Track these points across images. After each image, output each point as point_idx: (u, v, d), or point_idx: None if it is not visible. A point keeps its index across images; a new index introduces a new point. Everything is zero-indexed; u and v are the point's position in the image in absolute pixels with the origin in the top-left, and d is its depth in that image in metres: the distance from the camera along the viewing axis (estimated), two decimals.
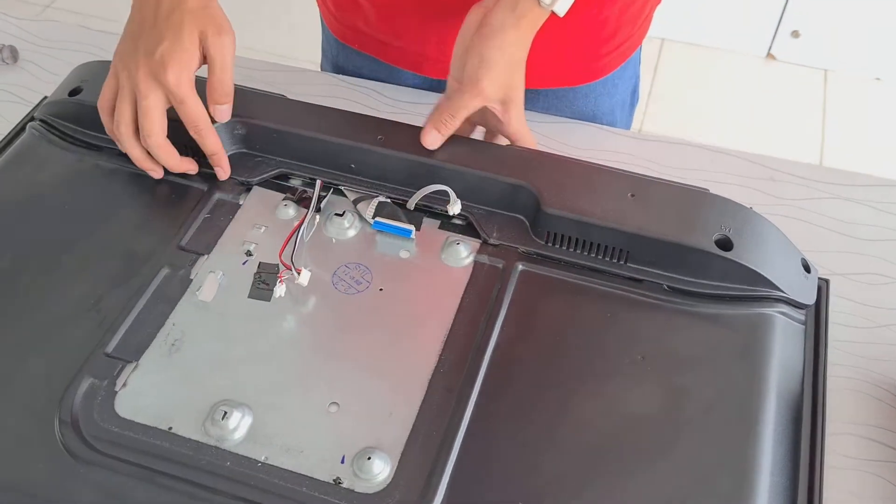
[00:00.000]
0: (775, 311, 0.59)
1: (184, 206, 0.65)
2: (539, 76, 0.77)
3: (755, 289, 0.59)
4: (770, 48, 2.07)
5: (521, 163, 0.63)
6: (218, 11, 0.62)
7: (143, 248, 0.62)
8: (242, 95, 0.68)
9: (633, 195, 0.61)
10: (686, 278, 0.60)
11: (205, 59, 0.62)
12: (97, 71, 0.71)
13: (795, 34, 2.02)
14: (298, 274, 0.58)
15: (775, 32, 2.04)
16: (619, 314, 0.59)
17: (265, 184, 0.67)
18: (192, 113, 0.62)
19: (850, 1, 1.92)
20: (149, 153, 0.64)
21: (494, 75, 0.61)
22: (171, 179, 0.67)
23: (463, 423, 0.52)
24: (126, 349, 0.56)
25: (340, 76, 0.83)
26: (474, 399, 0.53)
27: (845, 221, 0.71)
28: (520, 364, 0.56)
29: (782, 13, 1.99)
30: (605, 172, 0.63)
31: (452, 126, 0.62)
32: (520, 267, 0.61)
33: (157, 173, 0.66)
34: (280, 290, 0.58)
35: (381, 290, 0.60)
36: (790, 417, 0.55)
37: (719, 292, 0.59)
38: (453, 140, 0.65)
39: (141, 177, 0.67)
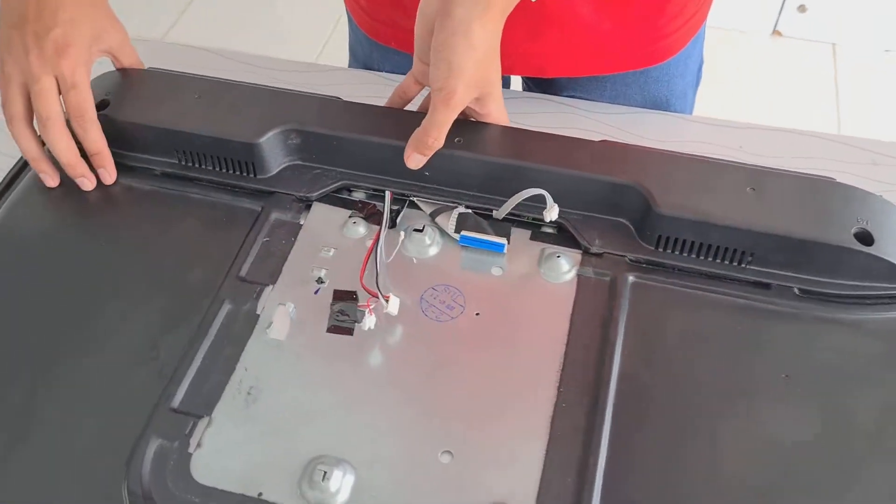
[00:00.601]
0: None
1: (237, 230, 0.57)
2: (605, 62, 0.70)
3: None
4: (776, 24, 2.01)
5: (623, 160, 0.56)
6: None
7: (198, 281, 0.54)
8: (292, 100, 0.60)
9: (752, 189, 0.54)
10: (820, 279, 0.53)
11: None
12: (122, 81, 0.62)
13: (802, 9, 1.97)
14: (387, 301, 0.50)
15: (781, 8, 1.98)
16: (750, 326, 0.52)
17: (326, 199, 0.59)
18: (81, 101, 0.57)
19: None
20: (43, 152, 0.59)
21: (467, 80, 0.53)
22: (219, 199, 0.59)
23: (599, 468, 0.45)
24: (195, 402, 0.48)
25: (381, 73, 0.75)
26: (606, 438, 0.46)
27: None
28: (650, 393, 0.49)
29: None
30: (719, 166, 0.56)
31: (437, 146, 0.55)
32: (630, 278, 0.54)
33: (53, 179, 0.59)
34: (370, 321, 0.50)
35: (477, 314, 0.52)
36: None
37: (858, 293, 0.52)
38: (541, 137, 0.58)
39: (184, 199, 0.59)
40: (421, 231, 0.56)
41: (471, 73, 0.53)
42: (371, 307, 0.50)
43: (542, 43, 0.67)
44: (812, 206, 0.53)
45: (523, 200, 0.55)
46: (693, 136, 0.69)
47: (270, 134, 0.58)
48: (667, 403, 0.48)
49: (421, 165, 0.55)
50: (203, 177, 0.60)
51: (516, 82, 0.84)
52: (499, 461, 0.46)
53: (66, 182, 0.60)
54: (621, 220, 0.56)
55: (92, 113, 0.57)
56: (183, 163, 0.60)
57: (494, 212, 0.57)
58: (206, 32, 2.04)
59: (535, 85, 0.77)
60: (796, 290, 0.53)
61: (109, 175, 0.59)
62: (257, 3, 2.10)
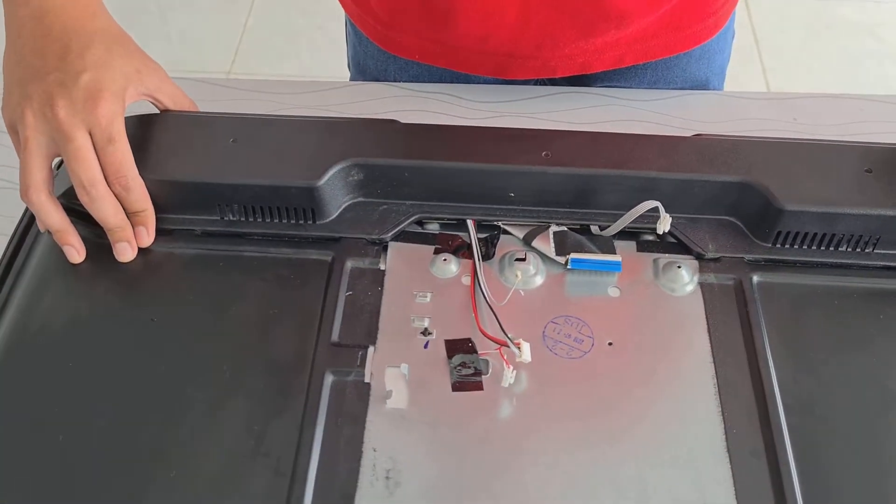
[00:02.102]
0: None
1: (311, 287, 0.50)
2: (653, 47, 0.65)
3: None
4: None
5: (727, 155, 0.52)
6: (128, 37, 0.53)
7: (285, 354, 0.47)
8: (345, 129, 0.53)
9: (869, 170, 0.51)
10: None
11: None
12: (135, 131, 0.53)
13: None
14: (518, 348, 0.45)
15: None
16: (890, 313, 0.49)
17: (401, 237, 0.52)
18: (122, 157, 0.49)
19: None
20: (70, 223, 0.50)
21: None
22: (279, 254, 0.51)
23: (797, 495, 0.41)
24: (329, 501, 0.41)
25: (400, 84, 0.68)
26: (791, 456, 0.42)
27: None
28: (815, 397, 0.45)
29: None
30: (828, 149, 0.52)
31: None
32: (755, 279, 0.50)
33: (80, 253, 0.51)
34: (509, 376, 0.44)
35: (609, 344, 0.47)
36: None
37: None
38: (629, 140, 0.53)
39: (238, 259, 0.51)
40: (524, 260, 0.50)
41: None
42: (505, 358, 0.45)
43: (592, 41, 0.62)
44: None
45: (622, 211, 0.50)
46: (745, 113, 0.66)
47: (331, 173, 0.51)
48: (839, 407, 0.45)
49: None
50: (254, 231, 0.52)
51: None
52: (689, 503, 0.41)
53: (91, 256, 0.51)
54: (730, 218, 0.52)
55: (134, 169, 0.49)
56: (227, 217, 0.52)
57: (593, 227, 0.52)
58: None
59: (566, 80, 0.72)
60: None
61: (149, 236, 0.51)
62: (148, 16, 1.96)
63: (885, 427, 0.44)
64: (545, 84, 0.68)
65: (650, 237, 0.52)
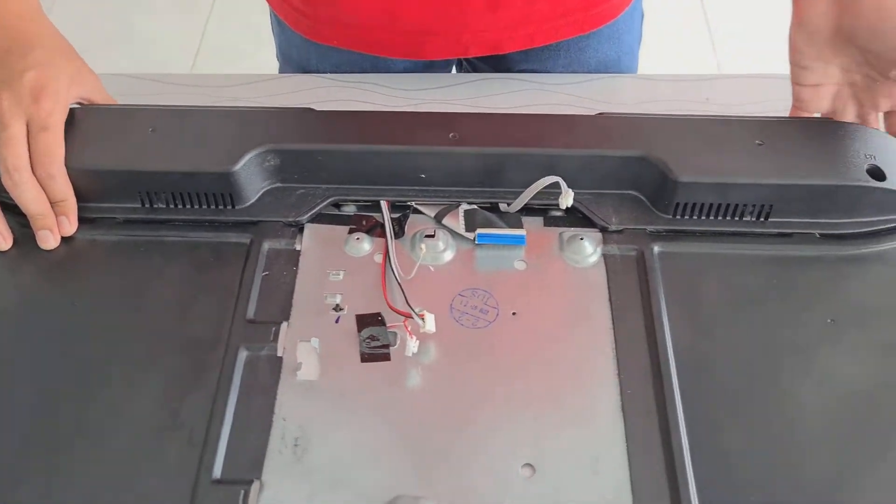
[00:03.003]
0: None
1: (229, 268, 0.51)
2: (562, 27, 0.68)
3: None
4: None
5: (627, 131, 0.54)
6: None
7: (202, 332, 0.48)
8: (261, 117, 0.55)
9: (760, 143, 0.53)
10: (838, 220, 0.53)
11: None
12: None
13: None
14: (422, 320, 0.47)
15: None
16: (783, 277, 0.51)
17: (317, 219, 0.54)
18: (52, 144, 0.51)
19: None
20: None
21: None
22: (199, 238, 0.53)
23: (684, 447, 0.43)
24: (238, 467, 0.43)
25: (326, 74, 0.70)
26: (682, 414, 0.45)
27: None
28: (711, 360, 0.47)
29: None
30: (722, 123, 0.55)
31: None
32: (656, 249, 0.52)
33: (7, 240, 0.52)
34: (412, 345, 0.46)
35: (514, 314, 0.49)
36: None
37: (875, 228, 0.53)
38: (536, 120, 0.55)
39: (160, 244, 0.53)
40: (433, 236, 0.52)
41: None
42: (409, 329, 0.47)
43: (500, 14, 0.64)
44: (820, 149, 0.53)
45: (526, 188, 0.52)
46: (659, 94, 0.68)
47: (246, 158, 0.52)
48: (730, 368, 0.47)
49: None
50: (174, 217, 0.54)
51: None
52: (583, 463, 0.43)
53: (16, 244, 0.53)
54: (633, 192, 0.54)
55: (61, 159, 0.51)
56: (147, 205, 0.54)
57: (502, 205, 0.54)
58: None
59: (487, 65, 0.74)
60: (817, 235, 0.53)
61: (71, 225, 0.52)
62: (111, 19, 1.97)
63: (774, 386, 0.46)
64: (468, 71, 0.70)
65: (558, 213, 0.55)
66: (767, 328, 0.49)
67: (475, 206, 0.54)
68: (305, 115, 0.55)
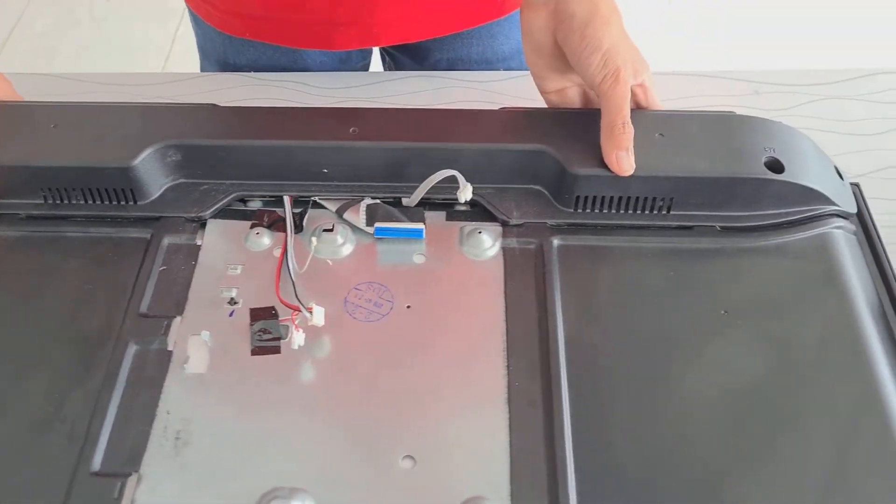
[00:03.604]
0: (833, 228, 0.53)
1: (128, 264, 0.51)
2: (471, 13, 0.68)
3: (810, 207, 0.53)
4: None
5: (527, 125, 0.54)
6: None
7: (95, 327, 0.48)
8: (164, 113, 0.55)
9: (661, 135, 0.53)
10: (739, 213, 0.53)
11: None
12: None
13: None
14: (310, 313, 0.47)
15: None
16: (681, 270, 0.51)
17: (222, 215, 0.54)
18: None
19: None
20: None
21: (623, 57, 0.52)
22: (100, 234, 0.53)
23: (566, 438, 0.43)
24: (117, 460, 0.43)
25: (244, 73, 0.70)
26: (567, 406, 0.44)
27: (843, 120, 0.66)
28: (600, 352, 0.47)
29: None
30: None
31: (631, 132, 0.51)
32: (555, 242, 0.52)
33: None
34: (298, 338, 0.46)
35: (408, 307, 0.49)
36: (889, 341, 0.50)
37: (775, 221, 0.53)
38: (440, 115, 0.55)
39: (61, 240, 0.53)
40: (331, 230, 0.52)
41: (622, 51, 0.51)
42: (296, 322, 0.46)
43: (409, 2, 0.64)
44: (720, 142, 0.53)
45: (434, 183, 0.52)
46: None
47: (146, 153, 0.52)
48: (619, 359, 0.47)
49: (632, 164, 0.51)
50: (77, 213, 0.54)
51: (376, 64, 0.82)
52: (464, 455, 0.43)
53: None
54: (536, 186, 0.54)
55: None
56: (50, 201, 0.54)
57: (404, 199, 0.54)
58: (28, 58, 1.89)
59: (400, 55, 0.75)
60: (718, 228, 0.53)
61: None
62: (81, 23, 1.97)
63: (662, 379, 0.46)
64: (389, 65, 0.70)
65: (463, 208, 0.55)
66: (661, 321, 0.49)
67: (377, 201, 0.54)
68: (208, 111, 0.55)
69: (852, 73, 0.70)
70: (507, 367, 0.46)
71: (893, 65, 0.70)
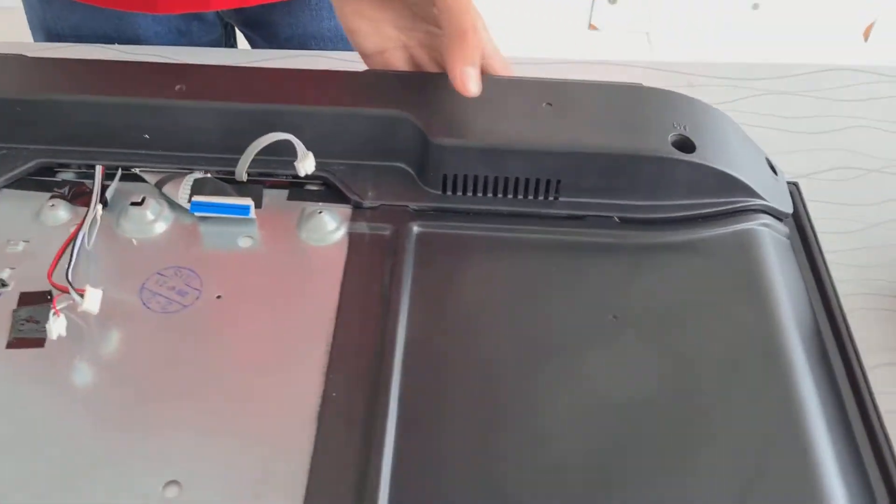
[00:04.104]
0: (758, 225, 0.44)
1: None
2: None
3: (729, 199, 0.44)
4: (591, 18, 2.01)
5: (392, 89, 0.45)
6: None
7: None
8: None
9: (549, 104, 0.44)
10: (640, 203, 0.44)
11: None
12: None
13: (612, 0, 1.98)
14: (81, 296, 0.37)
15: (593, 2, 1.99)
16: (565, 266, 0.42)
17: (20, 184, 0.45)
18: None
19: None
20: None
21: None
22: None
23: (384, 471, 0.33)
24: None
25: (69, 43, 0.61)
26: (393, 428, 0.34)
27: (788, 117, 0.58)
28: (447, 359, 0.37)
29: None
30: (507, 83, 0.46)
31: (478, 45, 0.43)
32: (415, 229, 0.43)
33: None
34: (57, 326, 0.36)
35: (218, 297, 0.40)
36: (817, 357, 0.40)
37: (685, 213, 0.44)
38: (288, 74, 0.46)
39: None
40: (140, 204, 0.42)
41: None
42: (59, 308, 0.37)
43: None
44: (620, 115, 0.44)
45: (279, 155, 0.43)
46: None
47: None
48: (469, 373, 0.37)
49: (479, 85, 0.42)
50: None
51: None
52: (245, 482, 0.33)
53: None
54: (399, 164, 0.45)
55: None
56: None
57: (235, 172, 0.44)
58: None
59: (249, 31, 0.67)
60: (616, 219, 0.44)
61: None
62: None
63: (523, 395, 0.36)
64: (230, 38, 0.62)
65: (314, 187, 0.45)
66: (530, 327, 0.39)
67: (208, 175, 0.45)
68: (12, 62, 0.46)
69: (800, 69, 0.61)
70: (327, 375, 0.37)
71: (845, 61, 0.61)
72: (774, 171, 0.48)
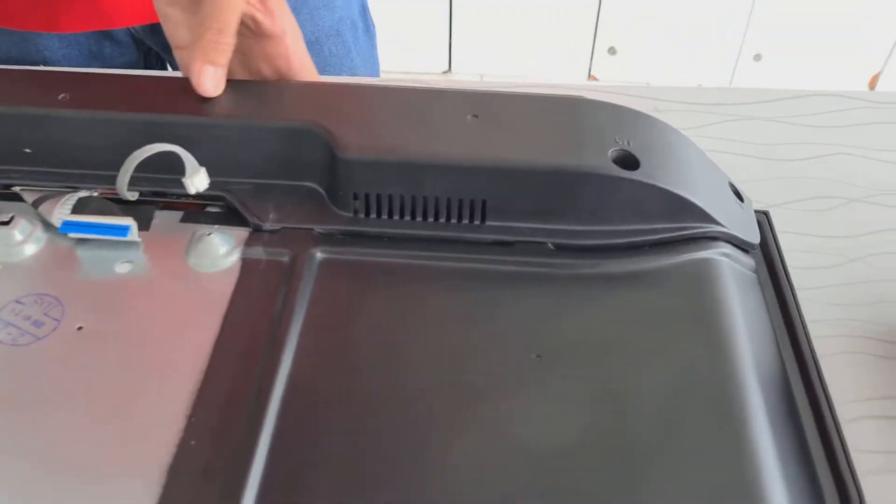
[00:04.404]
0: (717, 255, 0.38)
1: None
2: None
3: (681, 225, 0.38)
4: (590, 69, 1.99)
5: (303, 100, 0.41)
6: None
7: None
8: None
9: (475, 116, 0.39)
10: (578, 227, 0.38)
11: None
12: None
13: (612, 51, 1.95)
14: None
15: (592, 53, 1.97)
16: (488, 298, 0.36)
17: None
18: None
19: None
20: None
21: None
22: None
23: None
24: None
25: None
26: (256, 482, 0.29)
27: (760, 143, 0.52)
28: (338, 404, 0.32)
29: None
30: (431, 94, 0.41)
31: (228, 47, 0.39)
32: (318, 255, 0.37)
33: None
34: None
35: (79, 328, 0.34)
36: (782, 408, 0.34)
37: (629, 240, 0.38)
38: (177, 82, 0.41)
39: None
40: (7, 224, 0.38)
41: None
42: None
43: None
44: (556, 129, 0.39)
45: (170, 174, 0.38)
46: None
47: None
48: (360, 417, 0.31)
49: (221, 87, 0.40)
50: None
51: None
52: None
53: None
54: (309, 184, 0.40)
55: None
56: None
57: (131, 195, 0.39)
58: None
59: (165, 53, 0.63)
60: (550, 245, 0.38)
61: None
62: None
63: (427, 446, 0.31)
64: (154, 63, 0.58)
65: (216, 209, 0.40)
66: (441, 367, 0.33)
67: (95, 194, 0.40)
68: None
69: (776, 95, 0.56)
70: (189, 418, 0.31)
71: (825, 87, 0.56)
72: (740, 198, 0.43)
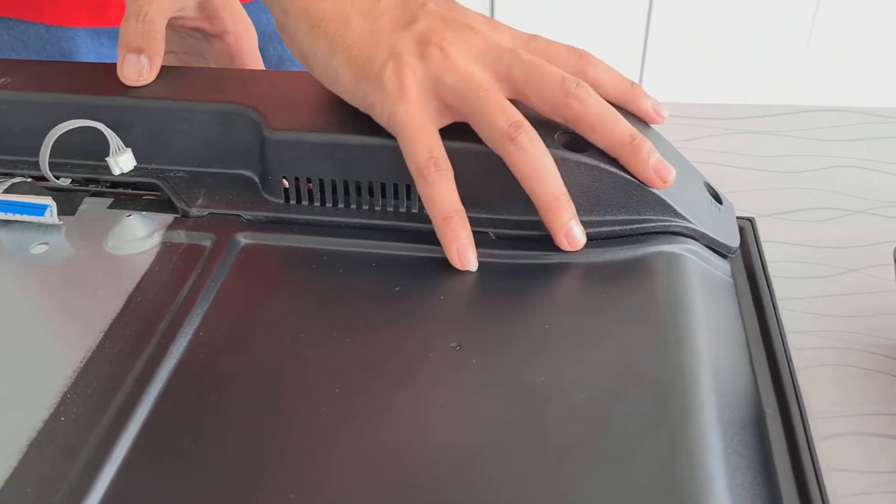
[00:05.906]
0: (681, 250, 0.34)
1: None
2: None
3: (637, 217, 0.35)
4: None
5: (238, 85, 0.39)
6: None
7: None
8: None
9: None
10: (520, 217, 0.35)
11: None
12: None
13: None
14: None
15: None
16: (415, 287, 0.33)
17: None
18: None
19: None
20: None
21: None
22: None
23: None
24: None
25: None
26: (119, 458, 0.26)
27: (760, 156, 0.48)
28: (218, 402, 0.29)
29: None
30: None
31: (154, 34, 0.38)
32: (242, 241, 0.35)
33: None
34: None
35: None
36: (745, 420, 0.30)
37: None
38: (106, 68, 0.40)
39: None
40: None
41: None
42: None
43: None
44: None
45: (103, 161, 0.37)
46: None
47: None
48: (253, 405, 0.28)
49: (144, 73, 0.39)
50: None
51: None
52: None
53: None
54: (244, 172, 0.38)
55: None
56: None
57: (63, 180, 0.38)
58: None
59: None
60: (492, 236, 0.35)
61: None
62: None
63: (329, 441, 0.27)
64: None
65: (153, 197, 0.38)
66: (350, 355, 0.30)
67: (29, 180, 0.38)
68: None
69: (778, 109, 0.52)
70: (65, 395, 0.28)
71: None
72: (719, 200, 0.39)
